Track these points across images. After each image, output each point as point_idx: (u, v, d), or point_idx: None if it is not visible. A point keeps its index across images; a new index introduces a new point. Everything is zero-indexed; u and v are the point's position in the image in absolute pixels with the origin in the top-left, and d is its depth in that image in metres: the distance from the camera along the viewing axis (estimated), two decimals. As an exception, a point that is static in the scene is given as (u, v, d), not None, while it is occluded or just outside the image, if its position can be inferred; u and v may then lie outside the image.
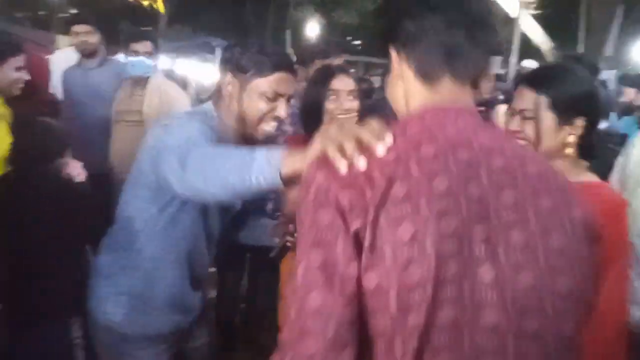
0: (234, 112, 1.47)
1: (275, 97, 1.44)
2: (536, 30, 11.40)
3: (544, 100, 1.32)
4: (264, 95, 1.43)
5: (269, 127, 1.48)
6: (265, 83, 1.43)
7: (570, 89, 1.33)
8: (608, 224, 1.19)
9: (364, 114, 1.82)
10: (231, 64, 1.45)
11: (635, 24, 10.81)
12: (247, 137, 1.50)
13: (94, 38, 3.26)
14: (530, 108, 1.33)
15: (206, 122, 1.41)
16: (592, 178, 1.37)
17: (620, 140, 2.65)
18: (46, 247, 1.85)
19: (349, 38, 23.01)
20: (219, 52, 10.04)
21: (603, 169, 1.75)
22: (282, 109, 1.46)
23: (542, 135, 1.32)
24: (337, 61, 3.47)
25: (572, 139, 1.32)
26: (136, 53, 3.11)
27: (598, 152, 1.39)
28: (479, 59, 0.86)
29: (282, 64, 1.45)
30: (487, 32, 0.87)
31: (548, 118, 1.32)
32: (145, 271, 1.49)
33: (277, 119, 1.47)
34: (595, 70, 2.18)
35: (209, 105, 1.52)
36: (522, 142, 1.33)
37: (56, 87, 3.48)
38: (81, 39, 3.20)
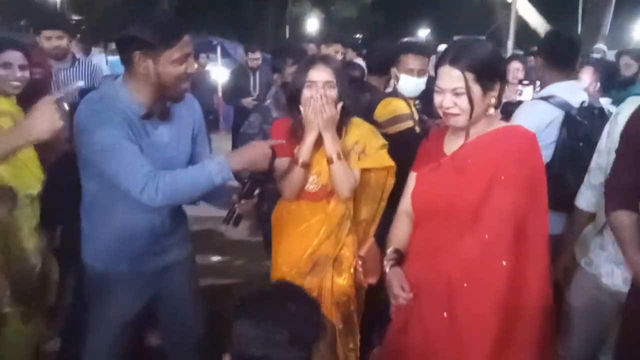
0: (152, 82, 1.64)
1: (183, 59, 1.63)
2: (532, 13, 11.46)
3: (469, 76, 1.54)
4: (176, 62, 1.61)
5: (186, 84, 1.69)
6: (174, 52, 1.60)
7: (487, 62, 1.57)
8: (524, 155, 1.57)
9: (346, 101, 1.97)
10: (137, 43, 1.58)
11: (631, 4, 10.85)
12: (168, 98, 1.70)
13: (64, 42, 3.36)
14: (461, 85, 1.55)
15: (108, 99, 1.65)
16: (505, 124, 1.73)
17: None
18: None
19: (347, 32, 23.09)
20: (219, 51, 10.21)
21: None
22: (191, 67, 1.67)
23: (475, 104, 1.56)
24: (329, 50, 3.65)
25: (493, 100, 1.61)
26: (114, 52, 3.25)
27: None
28: None
29: (181, 29, 1.62)
30: None
31: (476, 90, 1.56)
32: (117, 224, 1.76)
33: (190, 76, 1.67)
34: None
35: (117, 83, 1.70)
36: (455, 114, 1.58)
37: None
38: (53, 44, 3.27)
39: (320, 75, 1.94)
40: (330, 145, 1.92)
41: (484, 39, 1.80)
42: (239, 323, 1.08)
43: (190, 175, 1.65)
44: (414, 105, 2.66)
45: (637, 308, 1.61)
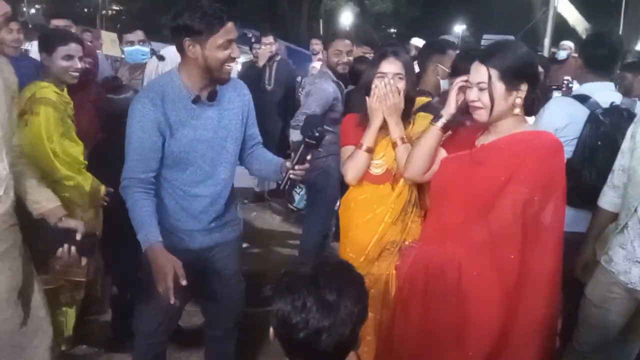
0: (201, 66, 1.81)
1: (229, 45, 1.79)
2: (572, 11, 11.21)
3: (494, 72, 1.63)
4: (221, 47, 1.78)
5: (229, 68, 1.86)
6: (219, 38, 1.77)
7: (514, 62, 1.64)
8: (546, 159, 1.64)
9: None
10: (185, 31, 1.76)
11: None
12: (215, 81, 1.86)
13: (72, 30, 3.46)
14: (484, 81, 1.63)
15: (158, 89, 1.84)
16: (533, 128, 1.75)
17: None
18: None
19: (382, 26, 22.96)
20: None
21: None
22: (235, 51, 1.82)
23: (495, 101, 1.64)
24: (357, 52, 3.68)
25: (518, 101, 1.66)
26: (131, 43, 3.42)
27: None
28: None
29: (225, 17, 1.77)
30: None
31: (499, 87, 1.63)
32: (169, 203, 1.94)
33: (234, 59, 1.83)
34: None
35: (172, 70, 1.91)
36: (478, 108, 1.66)
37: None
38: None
39: (390, 67, 2.04)
40: (395, 129, 2.03)
41: (519, 41, 1.87)
42: (283, 299, 1.08)
43: (136, 220, 1.81)
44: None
45: None
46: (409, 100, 2.07)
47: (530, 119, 1.96)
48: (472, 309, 1.66)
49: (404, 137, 2.04)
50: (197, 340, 2.53)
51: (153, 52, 3.52)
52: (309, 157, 1.88)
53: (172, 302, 1.69)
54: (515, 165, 1.63)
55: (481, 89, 1.65)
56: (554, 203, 1.64)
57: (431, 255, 1.73)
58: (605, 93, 2.39)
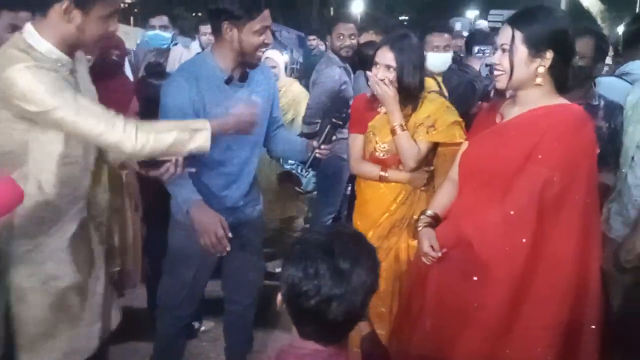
0: (236, 49, 1.90)
1: (264, 30, 1.88)
2: (586, -8, 11.04)
3: (518, 35, 1.52)
4: (257, 32, 1.87)
5: (261, 53, 1.96)
6: (256, 23, 1.86)
7: (541, 26, 1.51)
8: (567, 135, 1.52)
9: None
10: (225, 14, 1.85)
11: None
12: (246, 64, 1.95)
13: None
14: (507, 42, 1.53)
15: (192, 69, 1.93)
16: (561, 101, 1.59)
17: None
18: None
19: (394, 13, 22.77)
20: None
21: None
22: (269, 38, 1.92)
23: (515, 66, 1.52)
24: (367, 37, 3.72)
25: (541, 70, 1.52)
26: (153, 27, 3.49)
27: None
28: None
29: (263, 4, 1.87)
30: None
31: (521, 51, 1.52)
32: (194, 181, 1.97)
33: (267, 45, 1.93)
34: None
35: (205, 52, 2.00)
36: (499, 72, 1.57)
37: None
38: None
39: (382, 57, 2.09)
40: (391, 117, 2.09)
41: (557, 8, 1.75)
42: (294, 265, 1.06)
43: (173, 186, 1.90)
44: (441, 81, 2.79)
45: None
46: (409, 88, 2.10)
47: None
48: (481, 291, 1.59)
49: (402, 124, 2.08)
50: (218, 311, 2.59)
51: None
52: (334, 138, 1.99)
53: (227, 249, 1.84)
54: (533, 143, 1.53)
55: (504, 50, 1.55)
56: (578, 183, 1.51)
57: (445, 234, 1.70)
58: None
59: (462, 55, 3.99)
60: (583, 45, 2.05)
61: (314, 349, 1.09)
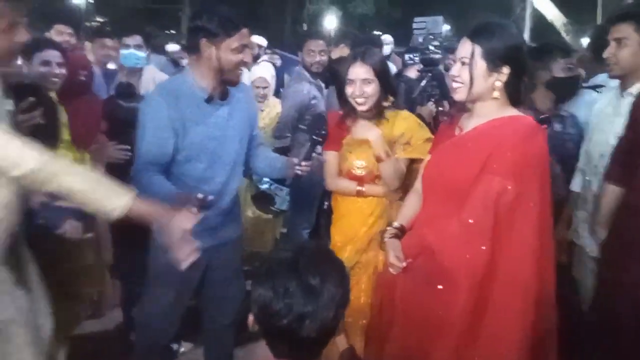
0: (214, 67, 1.89)
1: (242, 49, 1.89)
2: (549, 6, 11.42)
3: (477, 49, 1.57)
4: (236, 50, 1.87)
5: (241, 71, 1.96)
6: (233, 41, 1.86)
7: (499, 42, 1.57)
8: (520, 144, 1.57)
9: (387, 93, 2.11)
10: (203, 32, 1.86)
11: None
12: (226, 82, 1.95)
13: (73, 39, 3.42)
14: (467, 56, 1.58)
15: (172, 88, 1.93)
16: (514, 112, 1.65)
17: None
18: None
19: (366, 29, 23.10)
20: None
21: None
22: (247, 56, 1.93)
23: (474, 79, 1.58)
24: (339, 51, 3.78)
25: (498, 84, 1.59)
26: (127, 47, 3.44)
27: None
28: None
29: (241, 23, 1.88)
30: None
31: (480, 65, 1.58)
32: None
33: (245, 64, 1.92)
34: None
35: (185, 71, 2.00)
36: (458, 84, 1.62)
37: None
38: (64, 38, 3.28)
39: (358, 72, 2.06)
40: (376, 146, 2.07)
41: (512, 24, 1.78)
42: (263, 285, 1.05)
43: (158, 190, 1.80)
44: None
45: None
46: (391, 95, 2.13)
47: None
48: (445, 299, 1.61)
49: (388, 151, 2.07)
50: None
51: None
52: (314, 154, 2.01)
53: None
54: (488, 153, 1.58)
55: (463, 64, 1.61)
56: (531, 190, 1.56)
57: (410, 245, 1.73)
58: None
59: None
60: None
61: None
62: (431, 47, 3.01)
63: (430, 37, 3.05)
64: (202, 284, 2.19)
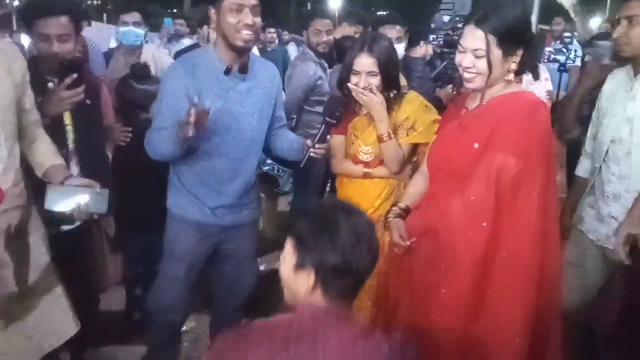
0: (221, 34, 1.87)
1: (240, 9, 1.81)
2: (559, -14, 11.22)
3: (492, 39, 1.54)
4: (232, 10, 1.81)
5: (244, 35, 1.84)
6: (230, 1, 1.81)
7: (512, 27, 1.55)
8: (523, 120, 1.57)
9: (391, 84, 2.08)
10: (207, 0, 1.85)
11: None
12: (236, 50, 1.89)
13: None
14: (482, 47, 1.55)
15: (192, 58, 1.96)
16: (519, 88, 1.66)
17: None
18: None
19: (372, 9, 22.78)
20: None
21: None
22: (247, 18, 1.82)
23: (493, 67, 1.56)
24: (342, 30, 3.71)
25: (513, 66, 1.60)
26: (126, 24, 3.40)
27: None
28: None
29: None
30: None
31: (496, 54, 1.56)
32: (193, 176, 2.01)
33: (247, 26, 1.83)
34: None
35: (207, 46, 2.03)
36: (472, 74, 1.59)
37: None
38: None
39: (363, 64, 2.04)
40: (379, 126, 2.06)
41: (513, 1, 1.74)
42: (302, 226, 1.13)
43: (166, 135, 1.86)
44: None
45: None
46: (393, 89, 2.09)
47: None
48: (448, 276, 1.61)
49: (390, 132, 2.06)
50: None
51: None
52: (328, 137, 1.98)
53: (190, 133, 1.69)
54: (490, 130, 1.57)
55: (477, 56, 1.57)
56: (534, 167, 1.55)
57: (414, 224, 1.73)
58: None
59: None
60: None
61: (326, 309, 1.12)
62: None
63: (457, 18, 2.98)
64: (215, 266, 2.19)
